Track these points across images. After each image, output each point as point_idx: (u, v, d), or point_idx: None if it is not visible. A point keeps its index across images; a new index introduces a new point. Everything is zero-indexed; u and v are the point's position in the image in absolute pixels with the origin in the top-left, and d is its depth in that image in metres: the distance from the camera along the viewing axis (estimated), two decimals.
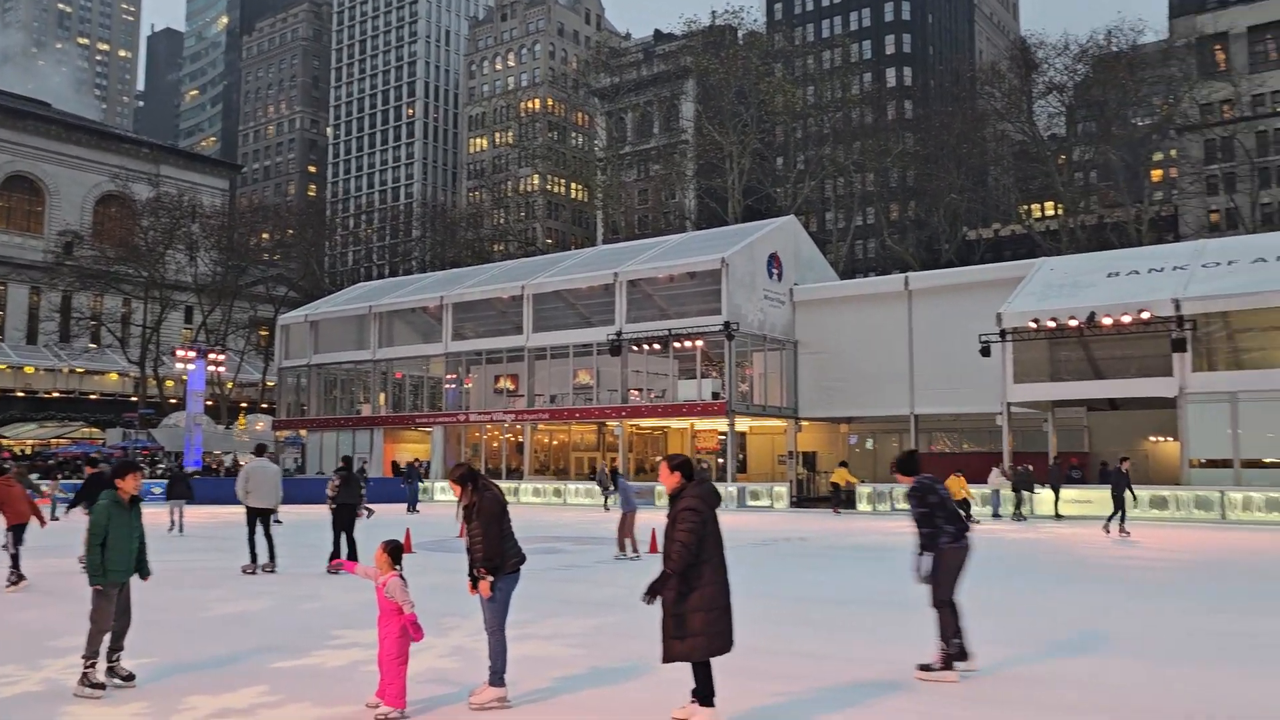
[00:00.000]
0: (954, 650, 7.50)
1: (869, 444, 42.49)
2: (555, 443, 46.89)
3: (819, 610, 11.08)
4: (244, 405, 71.45)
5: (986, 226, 78.69)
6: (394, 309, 47.83)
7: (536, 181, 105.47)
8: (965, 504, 25.50)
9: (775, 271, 39.81)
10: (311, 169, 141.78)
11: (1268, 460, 27.94)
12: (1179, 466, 29.17)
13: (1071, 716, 6.38)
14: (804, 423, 40.19)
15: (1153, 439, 34.26)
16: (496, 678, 6.55)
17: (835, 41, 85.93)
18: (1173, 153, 74.96)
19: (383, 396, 48.50)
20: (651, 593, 5.87)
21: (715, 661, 5.98)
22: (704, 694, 5.98)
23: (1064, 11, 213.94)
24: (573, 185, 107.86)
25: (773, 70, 71.28)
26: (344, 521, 14.60)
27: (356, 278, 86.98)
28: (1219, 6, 76.97)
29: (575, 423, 43.07)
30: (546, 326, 42.38)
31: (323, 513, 14.95)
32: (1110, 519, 21.96)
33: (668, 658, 5.93)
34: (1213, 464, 28.50)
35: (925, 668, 7.51)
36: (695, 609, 5.84)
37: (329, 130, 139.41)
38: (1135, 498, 22.03)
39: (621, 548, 16.89)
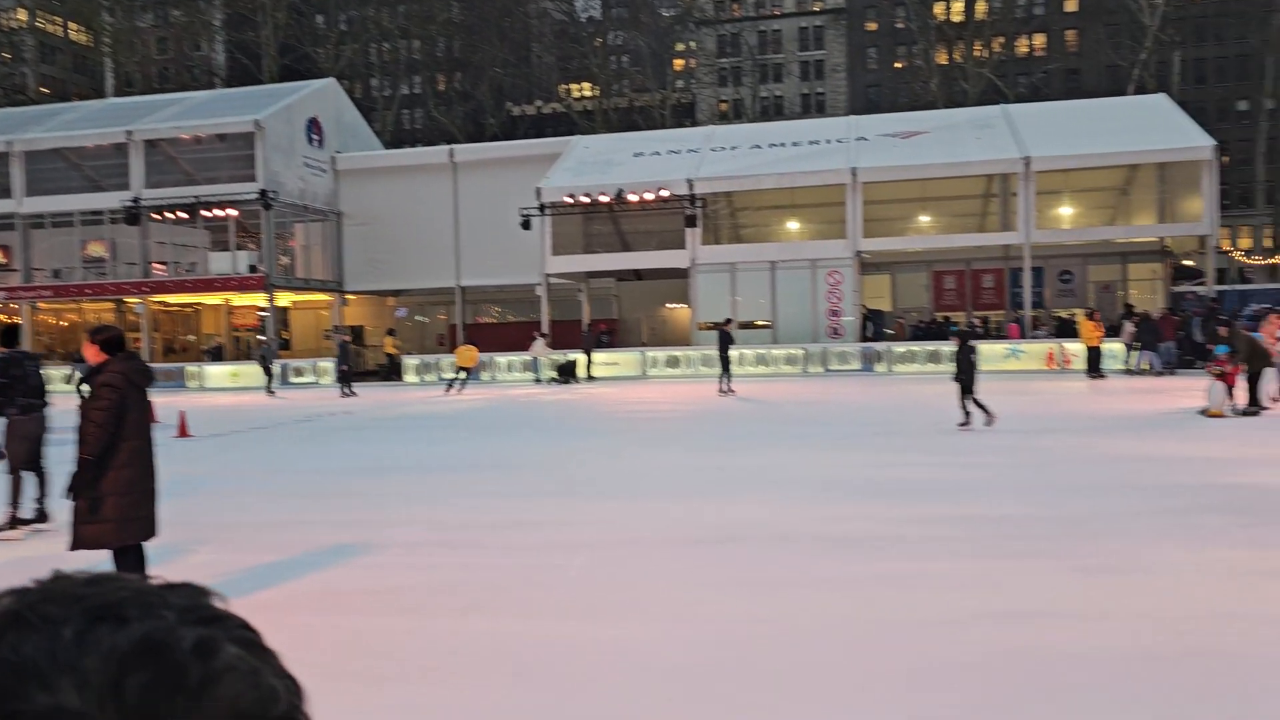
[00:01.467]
0: (32, 514, 8.53)
1: (419, 317, 42.79)
2: (64, 323, 41.41)
3: (342, 480, 11.17)
4: None
5: (530, 103, 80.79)
6: None
7: (24, 17, 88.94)
8: (467, 372, 27.04)
9: (316, 138, 37.83)
10: None
11: (758, 323, 32.51)
12: (689, 329, 33.04)
13: (530, 554, 7.19)
14: (350, 296, 39.36)
15: (669, 305, 38.31)
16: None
17: None
18: (692, 44, 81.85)
19: None
20: (74, 489, 5.34)
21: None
22: None
23: None
24: (72, 26, 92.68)
25: None
26: None
27: None
28: None
29: (87, 300, 38.28)
30: (45, 190, 36.66)
31: None
32: (722, 378, 23.14)
33: (75, 545, 5.42)
34: (716, 326, 32.58)
35: None
36: (109, 493, 5.37)
37: None
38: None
39: None
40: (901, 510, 8.27)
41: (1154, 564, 6.24)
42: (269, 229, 34.68)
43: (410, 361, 33.51)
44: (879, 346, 30.11)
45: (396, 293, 40.51)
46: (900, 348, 29.88)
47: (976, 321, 32.55)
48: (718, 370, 23.57)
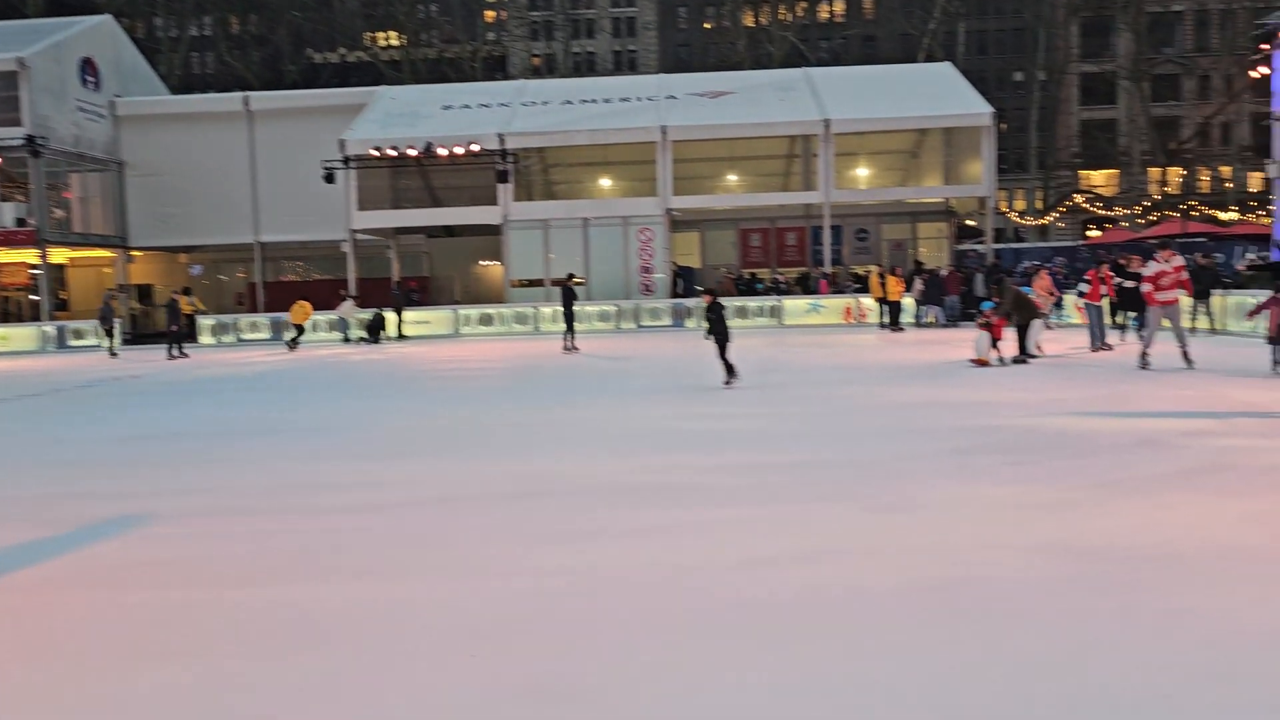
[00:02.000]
0: None
1: (219, 275, 40.40)
2: None
3: (126, 449, 10.50)
4: None
5: (333, 51, 77.00)
6: None
7: None
8: (299, 329, 26.91)
9: (91, 80, 34.83)
10: None
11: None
12: (502, 286, 32.71)
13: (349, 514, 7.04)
14: (136, 253, 36.72)
15: (482, 263, 37.76)
16: None
17: None
18: None
19: None
20: None
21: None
22: None
23: None
24: None
25: None
26: None
27: None
28: None
29: None
30: None
31: None
32: (566, 335, 22.53)
33: None
34: (531, 284, 32.42)
35: None
36: None
37: None
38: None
39: None
40: (707, 460, 8.51)
41: (933, 501, 6.70)
42: (39, 179, 31.82)
43: (206, 322, 31.67)
44: (689, 302, 30.77)
45: (189, 249, 38.08)
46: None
47: (782, 277, 33.76)
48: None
